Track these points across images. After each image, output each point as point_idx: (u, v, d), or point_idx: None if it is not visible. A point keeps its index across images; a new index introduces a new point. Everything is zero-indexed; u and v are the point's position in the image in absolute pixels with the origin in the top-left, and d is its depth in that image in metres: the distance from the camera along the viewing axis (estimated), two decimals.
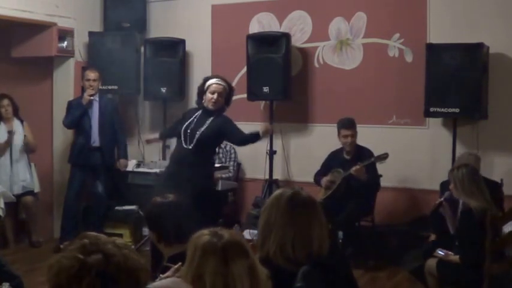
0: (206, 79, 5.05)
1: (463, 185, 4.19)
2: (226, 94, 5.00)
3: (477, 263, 3.97)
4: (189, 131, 4.91)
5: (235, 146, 6.49)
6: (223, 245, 2.02)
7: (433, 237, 4.92)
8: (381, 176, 5.81)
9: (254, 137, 5.04)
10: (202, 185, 4.85)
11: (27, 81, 6.91)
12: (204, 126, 4.90)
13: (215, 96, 4.93)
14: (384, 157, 5.51)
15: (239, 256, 2.01)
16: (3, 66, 6.76)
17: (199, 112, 5.00)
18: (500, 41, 5.63)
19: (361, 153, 5.67)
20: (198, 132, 4.87)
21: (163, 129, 5.94)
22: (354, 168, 5.48)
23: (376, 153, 5.61)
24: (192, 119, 4.97)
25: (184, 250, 3.02)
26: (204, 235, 2.07)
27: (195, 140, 4.86)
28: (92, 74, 6.22)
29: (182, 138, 4.92)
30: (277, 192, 2.62)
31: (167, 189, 4.91)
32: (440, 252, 4.35)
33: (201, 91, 5.02)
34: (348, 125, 5.70)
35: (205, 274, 1.99)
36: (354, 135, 5.70)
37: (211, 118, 4.93)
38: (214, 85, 4.95)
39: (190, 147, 4.88)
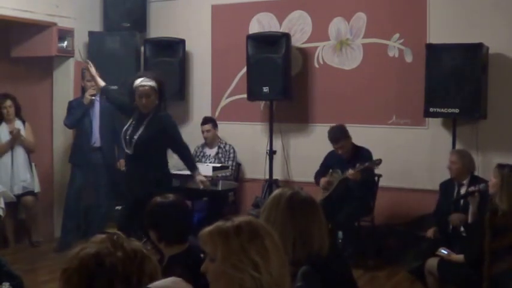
0: (133, 79, 4.82)
1: (510, 186, 4.15)
2: (157, 90, 4.77)
3: (480, 263, 3.96)
4: (127, 136, 4.78)
5: (234, 146, 6.49)
6: None
7: (430, 232, 4.95)
8: (380, 176, 5.82)
9: (192, 167, 4.95)
10: (149, 192, 4.09)
11: (27, 81, 6.91)
12: (141, 130, 4.75)
13: (143, 100, 4.72)
14: (377, 163, 5.49)
15: None
16: (3, 66, 6.75)
17: (136, 114, 4.85)
18: (500, 41, 5.63)
19: (359, 153, 5.67)
20: (135, 137, 4.73)
21: (108, 88, 5.38)
22: (349, 172, 5.47)
23: (375, 153, 5.62)
24: (130, 121, 4.85)
25: (185, 250, 3.05)
26: None
27: (133, 145, 4.73)
28: None
29: (123, 142, 4.83)
30: (276, 192, 2.61)
31: (127, 192, 4.93)
32: (444, 252, 4.35)
33: (131, 92, 4.80)
34: (334, 140, 5.65)
35: None
36: (343, 146, 5.64)
37: (147, 119, 4.77)
38: (140, 88, 4.72)
39: (130, 152, 4.77)
